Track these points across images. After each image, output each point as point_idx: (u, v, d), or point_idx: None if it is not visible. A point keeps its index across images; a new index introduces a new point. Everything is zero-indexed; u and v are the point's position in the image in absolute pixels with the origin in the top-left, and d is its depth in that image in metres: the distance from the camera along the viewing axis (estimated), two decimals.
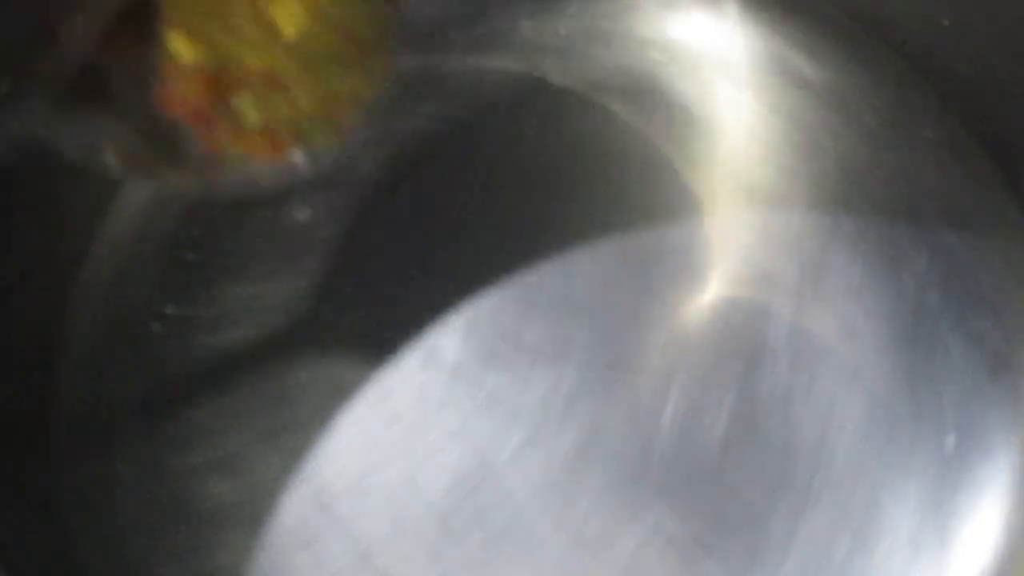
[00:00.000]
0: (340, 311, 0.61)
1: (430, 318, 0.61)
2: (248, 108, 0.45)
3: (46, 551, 0.57)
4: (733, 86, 0.65)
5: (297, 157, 0.46)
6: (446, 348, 0.60)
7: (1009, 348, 0.61)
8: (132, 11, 0.42)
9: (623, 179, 0.63)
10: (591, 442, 0.58)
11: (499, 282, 0.61)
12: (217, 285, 0.61)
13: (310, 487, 0.58)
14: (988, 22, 0.60)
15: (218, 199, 0.60)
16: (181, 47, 0.44)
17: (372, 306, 0.61)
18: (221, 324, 0.61)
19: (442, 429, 0.59)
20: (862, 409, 0.59)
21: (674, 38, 0.66)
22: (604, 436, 0.59)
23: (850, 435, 0.59)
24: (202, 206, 0.63)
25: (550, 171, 0.63)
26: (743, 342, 0.60)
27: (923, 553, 0.58)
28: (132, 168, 0.46)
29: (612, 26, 0.66)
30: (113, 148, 0.45)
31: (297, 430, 0.59)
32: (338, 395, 0.60)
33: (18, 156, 0.43)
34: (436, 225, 0.63)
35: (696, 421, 0.59)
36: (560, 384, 0.59)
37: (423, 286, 0.61)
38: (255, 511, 0.58)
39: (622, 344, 0.60)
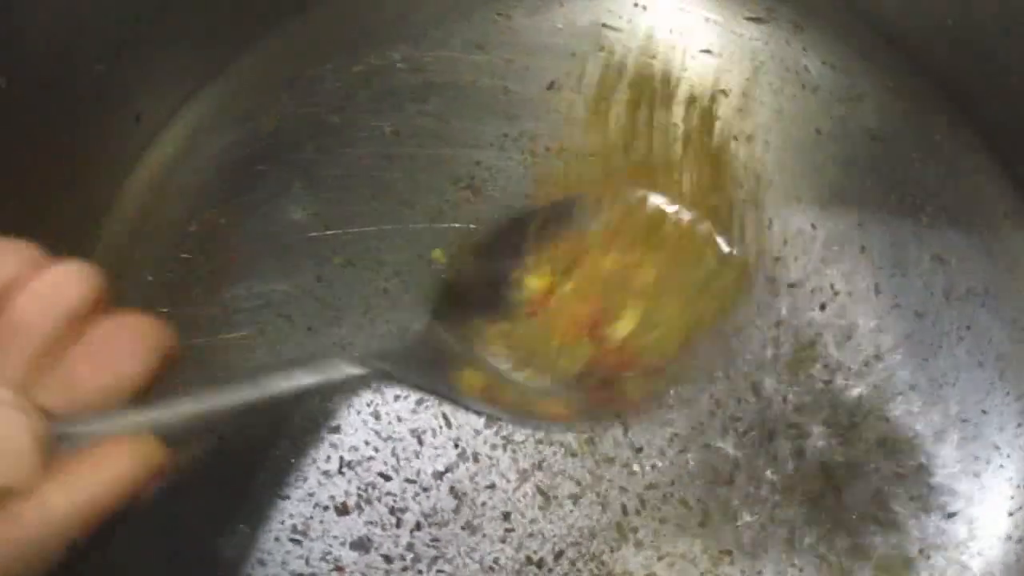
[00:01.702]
0: (339, 311, 0.61)
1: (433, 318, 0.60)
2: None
3: None
4: (735, 84, 0.65)
5: None
6: (447, 350, 0.60)
7: (1014, 349, 0.61)
8: None
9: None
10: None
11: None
12: (217, 285, 0.61)
13: (309, 488, 0.58)
14: (991, 21, 0.61)
15: None
16: None
17: (373, 307, 0.61)
18: (221, 324, 0.61)
19: (446, 430, 0.59)
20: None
21: (673, 35, 0.66)
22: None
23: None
24: (200, 207, 0.63)
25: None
26: (744, 343, 0.60)
27: (936, 555, 0.57)
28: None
29: (610, 20, 0.66)
30: None
31: (297, 431, 0.59)
32: (338, 396, 0.59)
33: None
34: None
35: (693, 434, 0.59)
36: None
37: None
38: (255, 511, 0.58)
39: None
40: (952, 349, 0.60)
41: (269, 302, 0.61)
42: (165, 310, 0.61)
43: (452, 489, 0.57)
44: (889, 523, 0.57)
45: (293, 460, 0.58)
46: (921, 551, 0.57)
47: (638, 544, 0.56)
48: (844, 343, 0.60)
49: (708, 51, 0.66)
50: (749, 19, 0.67)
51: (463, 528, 0.57)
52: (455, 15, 0.66)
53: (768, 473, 0.58)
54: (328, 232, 0.62)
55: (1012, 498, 0.59)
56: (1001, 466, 0.59)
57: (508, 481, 0.57)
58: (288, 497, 0.58)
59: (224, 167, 0.64)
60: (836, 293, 0.61)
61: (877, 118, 0.65)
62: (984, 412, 0.59)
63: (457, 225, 0.62)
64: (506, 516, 0.57)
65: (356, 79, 0.65)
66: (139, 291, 0.61)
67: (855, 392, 0.59)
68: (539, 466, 0.58)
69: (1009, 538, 0.58)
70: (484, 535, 0.57)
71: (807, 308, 0.61)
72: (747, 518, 0.57)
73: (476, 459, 0.58)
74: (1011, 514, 0.58)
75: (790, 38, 0.66)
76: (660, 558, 0.56)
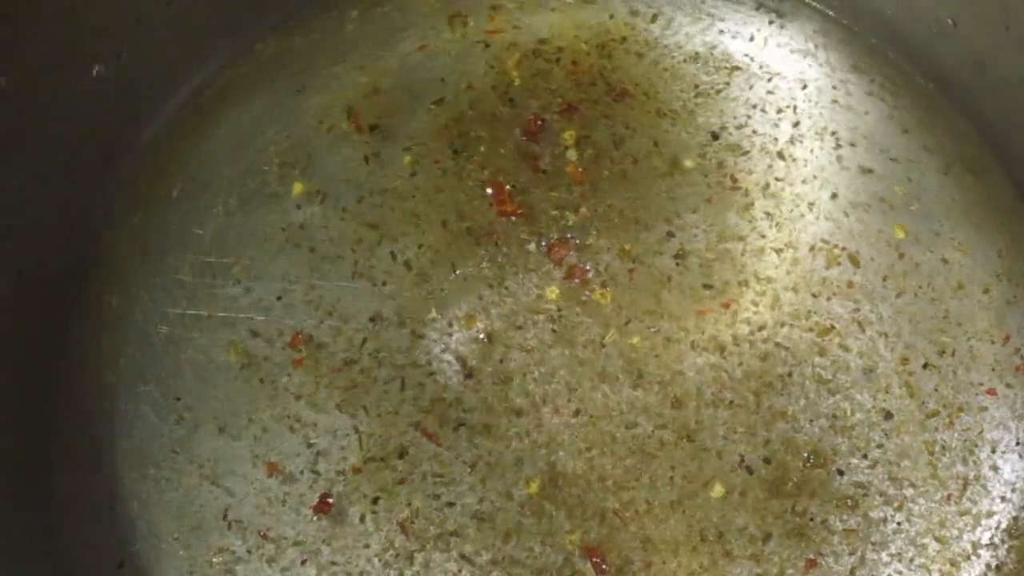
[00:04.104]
0: (337, 313, 0.60)
1: (439, 322, 0.60)
2: None
3: (43, 555, 0.55)
4: (740, 83, 0.66)
5: None
6: (454, 355, 0.59)
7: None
8: None
9: (627, 172, 0.63)
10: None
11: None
12: (217, 286, 0.60)
13: (308, 490, 0.57)
14: (989, 21, 0.61)
15: None
16: None
17: (371, 311, 0.60)
18: (220, 325, 0.60)
19: (449, 432, 0.58)
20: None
21: (675, 34, 0.67)
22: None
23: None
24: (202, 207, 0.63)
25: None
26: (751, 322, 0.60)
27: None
28: None
29: (661, 42, 0.67)
30: None
31: (296, 433, 0.58)
32: (337, 397, 0.58)
33: None
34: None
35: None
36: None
37: (442, 288, 0.61)
38: (255, 513, 0.56)
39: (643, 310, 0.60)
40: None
41: (269, 303, 0.60)
42: (167, 310, 0.60)
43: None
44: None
45: None
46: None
47: None
48: (844, 345, 0.60)
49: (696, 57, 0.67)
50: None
51: None
52: None
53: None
54: (328, 232, 0.62)
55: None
56: (1007, 462, 0.58)
57: None
58: None
59: (226, 169, 0.64)
60: (829, 295, 0.61)
61: (876, 115, 0.65)
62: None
63: None
64: None
65: (358, 79, 0.66)
66: (139, 292, 0.61)
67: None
68: None
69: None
70: None
71: (790, 307, 0.60)
72: None
73: None
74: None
75: (790, 36, 0.67)
76: None
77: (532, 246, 0.61)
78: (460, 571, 0.55)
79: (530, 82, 0.65)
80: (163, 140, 0.64)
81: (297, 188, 0.62)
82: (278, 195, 0.62)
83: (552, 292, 0.60)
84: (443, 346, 0.59)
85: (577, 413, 0.57)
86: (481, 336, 0.59)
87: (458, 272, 0.60)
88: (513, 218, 0.62)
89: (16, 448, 0.56)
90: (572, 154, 0.63)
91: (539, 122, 0.64)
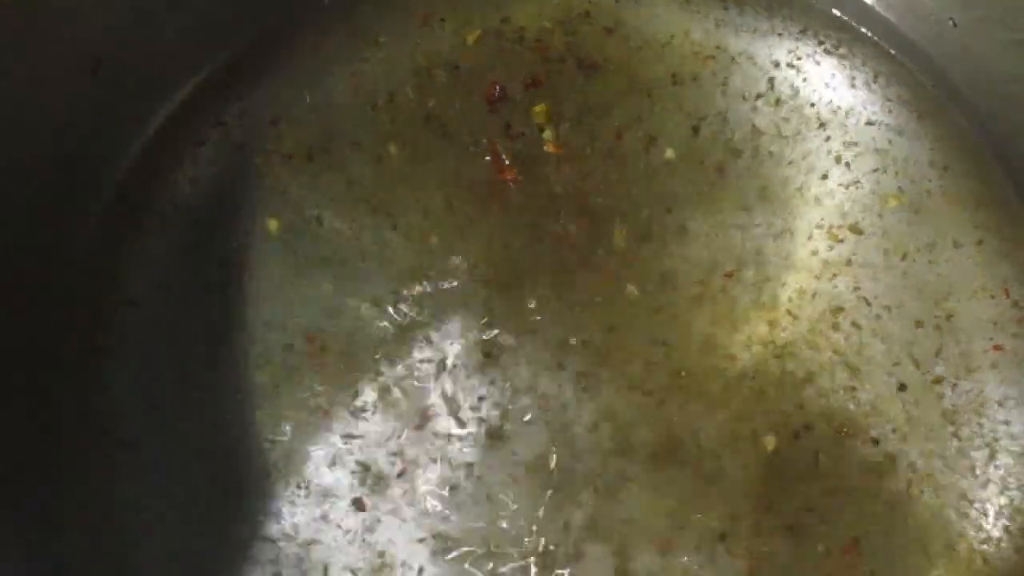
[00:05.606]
0: (354, 309, 0.61)
1: (446, 325, 0.60)
2: None
3: (42, 557, 0.56)
4: (715, 69, 0.66)
5: None
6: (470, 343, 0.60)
7: None
8: None
9: (613, 150, 0.64)
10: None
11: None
12: (220, 289, 0.60)
13: (310, 492, 0.57)
14: (993, 20, 0.61)
15: None
16: None
17: (374, 316, 0.61)
18: (223, 329, 0.60)
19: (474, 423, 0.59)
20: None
21: (644, 17, 0.66)
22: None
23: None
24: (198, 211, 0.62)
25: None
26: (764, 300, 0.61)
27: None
28: None
29: (629, 21, 0.67)
30: None
31: (297, 437, 0.58)
32: (337, 402, 0.59)
33: None
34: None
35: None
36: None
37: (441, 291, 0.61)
38: (254, 517, 0.57)
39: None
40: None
41: (271, 306, 0.60)
42: (168, 316, 0.60)
43: None
44: None
45: None
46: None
47: None
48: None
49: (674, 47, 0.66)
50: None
51: None
52: None
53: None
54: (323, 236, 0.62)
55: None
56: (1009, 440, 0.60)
57: None
58: None
59: (223, 174, 0.63)
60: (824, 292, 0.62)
61: (854, 92, 0.65)
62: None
63: None
64: None
65: (357, 83, 0.65)
66: (138, 296, 0.60)
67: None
68: None
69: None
70: None
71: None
72: None
73: None
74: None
75: (788, 38, 0.67)
76: None
77: (535, 219, 0.61)
78: (501, 567, 0.56)
79: (491, 59, 0.65)
80: (166, 144, 0.63)
81: (273, 225, 0.62)
82: (261, 236, 0.62)
83: (555, 264, 0.61)
84: (461, 338, 0.60)
85: (598, 381, 0.59)
86: (485, 298, 0.60)
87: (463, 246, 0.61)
88: (512, 184, 0.62)
89: (17, 450, 0.56)
90: (548, 134, 0.63)
91: (498, 89, 0.64)
